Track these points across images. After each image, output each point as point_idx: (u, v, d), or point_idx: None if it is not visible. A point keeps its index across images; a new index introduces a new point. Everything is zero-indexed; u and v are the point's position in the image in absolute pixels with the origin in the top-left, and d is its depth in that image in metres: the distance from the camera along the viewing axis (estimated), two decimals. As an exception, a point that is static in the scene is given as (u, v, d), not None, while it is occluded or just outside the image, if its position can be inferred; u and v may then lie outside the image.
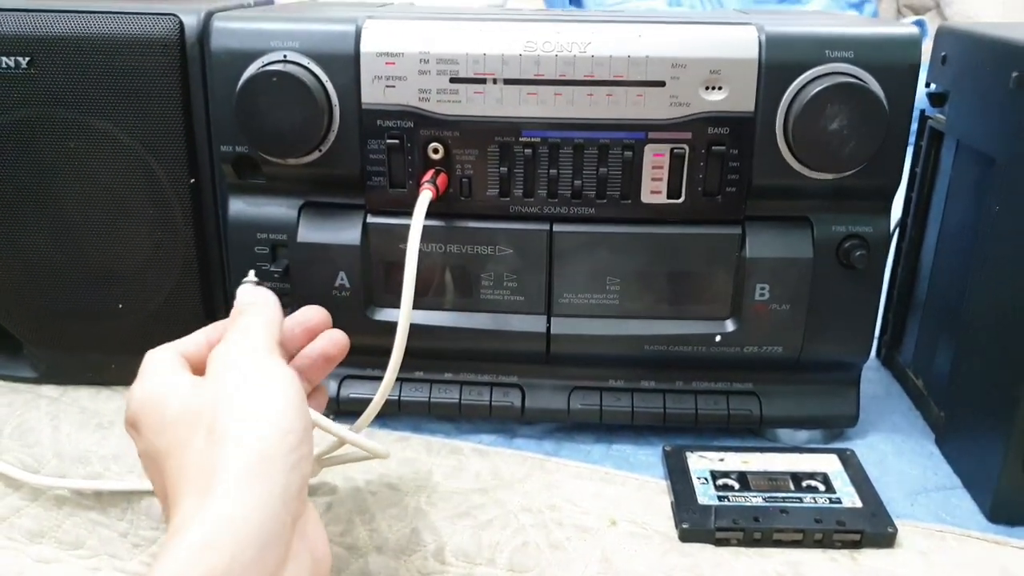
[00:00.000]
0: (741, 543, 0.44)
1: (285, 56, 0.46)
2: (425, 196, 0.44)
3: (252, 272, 0.43)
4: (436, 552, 0.45)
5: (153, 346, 0.58)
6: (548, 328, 0.50)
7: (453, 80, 0.46)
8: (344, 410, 0.52)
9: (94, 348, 0.56)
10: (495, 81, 0.46)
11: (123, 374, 0.58)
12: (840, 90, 0.44)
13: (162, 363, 0.37)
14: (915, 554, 0.44)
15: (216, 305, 0.56)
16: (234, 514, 0.29)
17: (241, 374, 0.35)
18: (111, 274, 0.54)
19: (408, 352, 0.43)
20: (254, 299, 0.41)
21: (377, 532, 0.46)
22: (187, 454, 0.32)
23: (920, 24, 0.94)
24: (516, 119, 0.46)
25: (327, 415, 0.41)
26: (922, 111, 0.58)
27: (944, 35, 0.55)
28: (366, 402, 0.44)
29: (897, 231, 0.61)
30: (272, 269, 0.50)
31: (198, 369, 0.38)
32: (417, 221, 0.43)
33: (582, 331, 0.50)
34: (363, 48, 0.46)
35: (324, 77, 0.46)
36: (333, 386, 0.53)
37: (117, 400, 0.56)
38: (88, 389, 0.57)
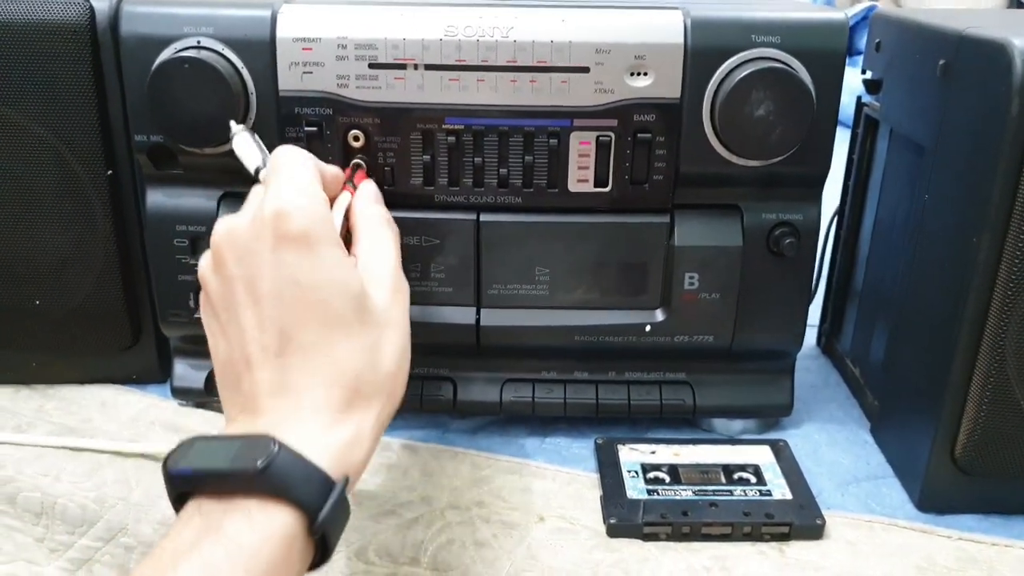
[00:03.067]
0: (669, 537, 0.44)
1: (199, 42, 0.44)
2: (344, 199, 0.42)
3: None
4: (359, 551, 0.44)
5: (75, 344, 0.56)
6: (478, 320, 0.49)
7: (372, 66, 0.44)
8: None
9: (12, 346, 0.54)
10: (416, 67, 0.44)
11: (45, 373, 0.56)
12: (766, 75, 0.43)
13: (326, 201, 0.37)
14: (843, 545, 0.44)
15: (140, 300, 0.54)
16: (373, 450, 0.35)
17: (401, 311, 0.37)
18: (27, 270, 0.52)
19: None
20: (384, 211, 0.42)
21: (300, 531, 0.45)
22: (348, 341, 0.34)
23: (871, 10, 0.94)
24: (438, 105, 0.45)
25: None
26: (858, 97, 0.57)
27: (878, 22, 0.55)
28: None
29: (835, 218, 0.61)
30: (191, 262, 0.48)
31: None
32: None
33: (512, 322, 0.49)
34: (279, 33, 0.44)
35: (239, 63, 0.44)
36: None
37: (37, 400, 0.54)
38: (6, 388, 0.55)
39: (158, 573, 0.29)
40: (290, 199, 0.35)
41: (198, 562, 0.29)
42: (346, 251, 0.37)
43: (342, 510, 0.32)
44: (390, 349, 0.36)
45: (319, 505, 0.31)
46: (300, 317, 0.34)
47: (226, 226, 0.36)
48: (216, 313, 0.36)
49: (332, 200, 0.40)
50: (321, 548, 0.32)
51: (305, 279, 0.34)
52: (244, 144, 0.43)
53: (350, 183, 0.43)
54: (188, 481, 0.31)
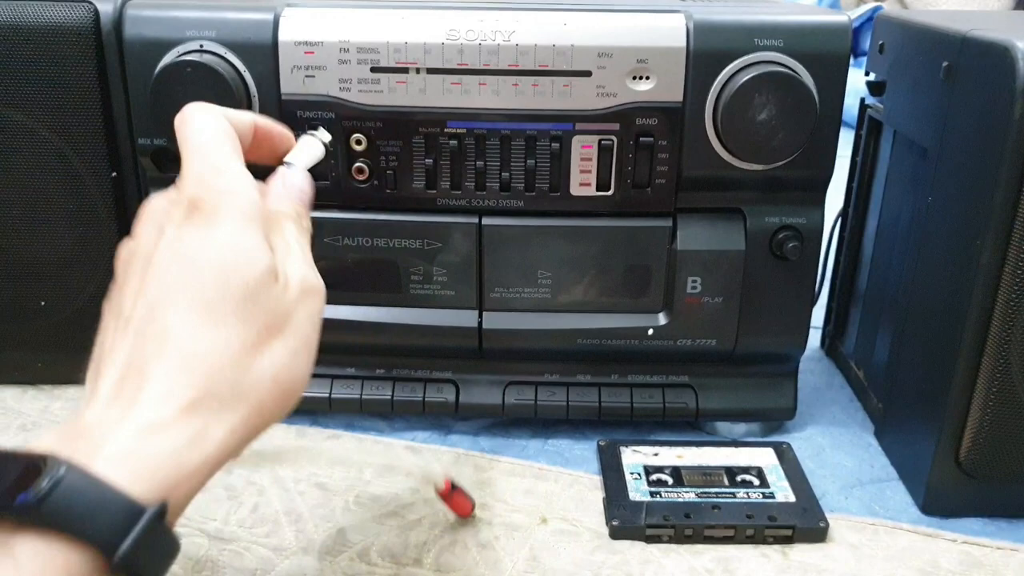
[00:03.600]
0: (672, 540, 0.44)
1: (201, 46, 0.45)
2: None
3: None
4: (362, 552, 0.44)
5: (81, 345, 0.56)
6: (480, 323, 0.49)
7: (374, 69, 0.44)
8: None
9: (18, 347, 0.55)
10: (418, 71, 0.44)
11: (50, 373, 0.56)
12: (769, 79, 0.43)
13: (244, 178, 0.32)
14: (846, 548, 0.44)
15: (144, 302, 0.54)
16: (226, 453, 0.28)
17: (302, 297, 0.31)
18: (32, 271, 0.52)
19: (339, 349, 0.42)
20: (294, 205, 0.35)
21: (303, 533, 0.45)
22: (210, 314, 0.28)
23: (876, 11, 0.94)
24: (440, 109, 0.45)
25: None
26: (862, 99, 0.57)
27: (882, 23, 0.55)
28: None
29: (839, 221, 0.61)
30: (195, 265, 0.49)
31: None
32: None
33: (515, 325, 0.49)
34: (281, 37, 0.44)
35: (242, 67, 0.45)
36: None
37: (43, 400, 0.55)
38: (13, 389, 0.56)
39: None
40: (199, 174, 0.31)
41: None
42: (261, 237, 0.31)
43: (158, 541, 0.26)
44: (276, 356, 0.30)
45: (118, 538, 0.24)
46: (173, 295, 0.29)
47: (148, 202, 0.33)
48: (111, 295, 0.32)
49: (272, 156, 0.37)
50: None
51: (192, 254, 0.29)
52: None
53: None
54: None
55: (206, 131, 0.33)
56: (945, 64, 0.44)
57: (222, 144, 0.32)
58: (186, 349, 0.28)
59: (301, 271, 0.32)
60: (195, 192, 0.30)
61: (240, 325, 0.29)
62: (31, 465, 0.24)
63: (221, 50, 0.44)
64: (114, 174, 0.51)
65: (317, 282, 0.33)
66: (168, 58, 0.44)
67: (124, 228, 0.52)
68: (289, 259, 0.32)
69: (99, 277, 0.53)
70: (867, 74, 0.56)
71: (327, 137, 0.39)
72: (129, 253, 0.32)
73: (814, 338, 0.59)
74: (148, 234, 0.31)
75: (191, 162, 0.32)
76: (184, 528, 0.46)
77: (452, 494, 0.44)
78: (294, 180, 0.36)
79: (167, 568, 0.27)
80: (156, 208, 0.32)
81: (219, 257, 0.29)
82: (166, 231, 0.30)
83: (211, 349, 0.28)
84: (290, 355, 0.30)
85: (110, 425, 0.26)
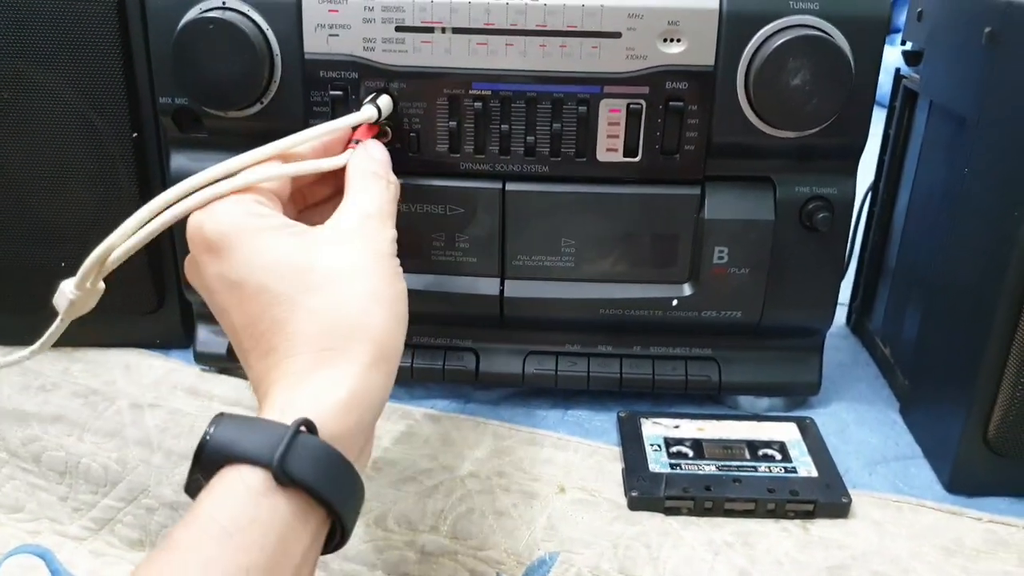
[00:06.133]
0: (691, 512, 0.43)
1: (224, 2, 0.44)
2: (365, 111, 0.42)
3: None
4: (378, 519, 0.44)
5: (100, 308, 0.56)
6: (502, 291, 0.49)
7: (399, 29, 0.43)
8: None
9: (38, 308, 0.55)
10: (443, 30, 0.43)
11: (70, 335, 0.56)
12: (803, 43, 0.42)
13: (252, 194, 0.37)
14: (868, 524, 0.43)
15: (164, 264, 0.54)
16: (365, 388, 0.33)
17: (359, 256, 0.36)
18: (53, 230, 0.52)
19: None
20: (379, 166, 0.40)
21: (321, 497, 0.45)
22: (297, 312, 0.34)
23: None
24: (465, 70, 0.44)
25: None
26: (897, 70, 0.56)
27: (921, -11, 0.53)
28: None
29: (870, 194, 0.60)
30: (216, 227, 0.48)
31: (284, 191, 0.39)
32: (333, 125, 0.40)
33: (537, 294, 0.49)
34: (305, -6, 0.44)
35: (264, 25, 0.44)
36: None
37: (63, 362, 0.55)
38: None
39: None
40: (196, 216, 0.36)
41: (170, 542, 0.28)
42: (272, 229, 0.36)
43: (310, 449, 0.30)
44: (352, 296, 0.34)
45: (272, 452, 0.29)
46: (247, 312, 0.34)
47: (189, 257, 0.38)
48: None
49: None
50: (332, 515, 0.31)
51: (236, 277, 0.35)
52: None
53: (355, 142, 0.42)
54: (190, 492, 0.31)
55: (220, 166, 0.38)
56: (988, 30, 0.43)
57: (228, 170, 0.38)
58: (284, 339, 0.33)
59: (357, 223, 0.37)
60: (198, 230, 0.36)
61: (310, 296, 0.34)
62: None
63: (244, 7, 0.44)
64: (135, 134, 0.50)
65: (376, 230, 0.37)
66: (190, 15, 0.43)
67: (145, 189, 0.52)
68: (350, 215, 0.37)
69: (119, 239, 0.52)
70: (903, 43, 0.54)
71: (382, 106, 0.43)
72: (197, 287, 0.38)
73: (840, 314, 0.58)
74: (196, 280, 0.38)
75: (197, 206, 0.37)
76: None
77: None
78: (372, 152, 0.41)
79: (351, 495, 0.32)
80: (188, 259, 0.38)
81: (258, 267, 0.35)
82: (203, 272, 0.36)
83: (302, 326, 0.33)
84: (366, 291, 0.35)
85: (264, 404, 0.32)
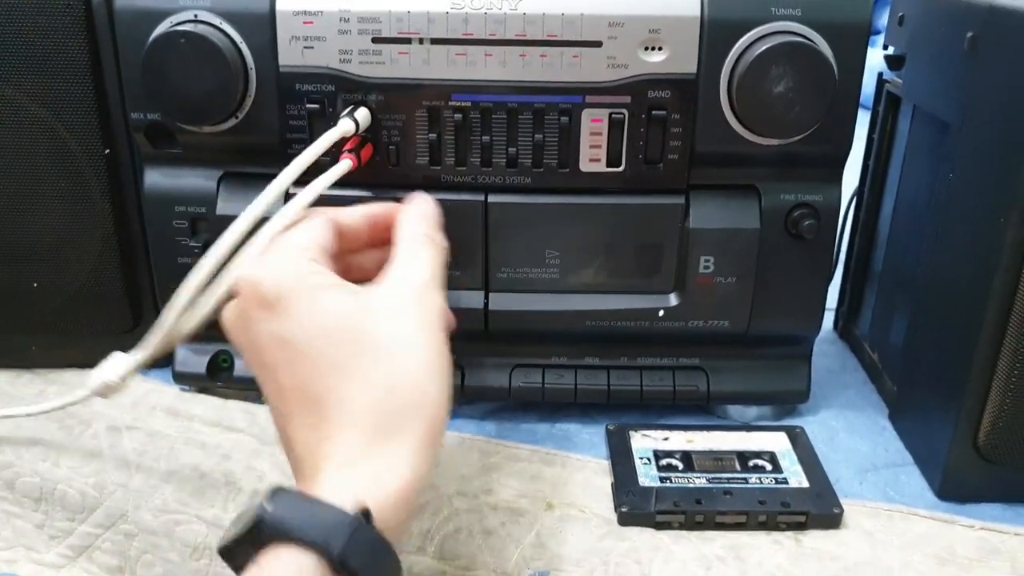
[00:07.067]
0: (682, 526, 0.43)
1: (195, 15, 0.43)
2: (343, 165, 0.41)
3: None
4: (364, 540, 0.43)
5: (75, 328, 0.55)
6: (486, 304, 0.48)
7: (376, 40, 0.43)
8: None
9: (11, 330, 0.53)
10: (421, 41, 0.43)
11: (45, 357, 0.55)
12: (786, 50, 0.41)
13: (309, 250, 0.36)
14: (860, 534, 0.43)
15: (140, 283, 0.53)
16: (419, 475, 0.33)
17: (415, 328, 0.35)
18: (23, 250, 0.51)
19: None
20: (429, 226, 0.40)
21: (304, 519, 0.44)
22: (354, 382, 0.33)
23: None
24: (444, 82, 0.43)
25: None
26: (880, 74, 0.55)
27: (902, -7, 0.53)
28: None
29: (855, 199, 0.59)
30: (192, 244, 0.47)
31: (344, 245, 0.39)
32: (314, 189, 0.39)
33: (521, 307, 0.48)
34: (279, 6, 0.43)
35: (238, 38, 0.43)
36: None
37: (38, 384, 0.53)
38: (7, 373, 0.54)
39: None
40: (252, 269, 0.35)
41: None
42: (329, 289, 0.35)
43: (373, 547, 0.30)
44: (408, 370, 0.34)
45: (333, 541, 0.29)
46: (299, 374, 0.33)
47: (228, 312, 0.36)
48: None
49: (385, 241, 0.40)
50: None
51: (291, 337, 0.33)
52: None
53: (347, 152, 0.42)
54: (226, 561, 0.30)
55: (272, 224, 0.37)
56: (970, 35, 0.42)
57: (282, 227, 0.37)
58: (337, 407, 0.33)
59: (412, 293, 0.36)
60: (255, 285, 0.34)
61: (366, 365, 0.33)
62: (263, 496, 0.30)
63: (216, 20, 0.43)
64: (107, 151, 0.49)
65: (430, 298, 0.36)
66: (161, 28, 0.42)
67: (118, 208, 0.51)
68: (403, 284, 0.36)
69: (93, 258, 0.51)
70: (885, 48, 0.54)
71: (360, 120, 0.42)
72: (239, 342, 0.36)
73: (827, 320, 0.57)
74: (238, 334, 0.35)
75: (244, 256, 0.36)
76: (182, 515, 0.45)
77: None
78: (423, 204, 0.41)
79: (384, 566, 0.30)
80: (231, 312, 0.36)
81: (315, 329, 0.34)
82: (252, 328, 0.34)
83: (355, 396, 0.33)
84: (421, 363, 0.34)
85: (316, 477, 0.32)
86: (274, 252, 0.36)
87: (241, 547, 0.29)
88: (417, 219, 0.40)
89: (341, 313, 0.34)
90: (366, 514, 0.30)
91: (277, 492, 0.30)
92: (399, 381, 0.33)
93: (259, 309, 0.34)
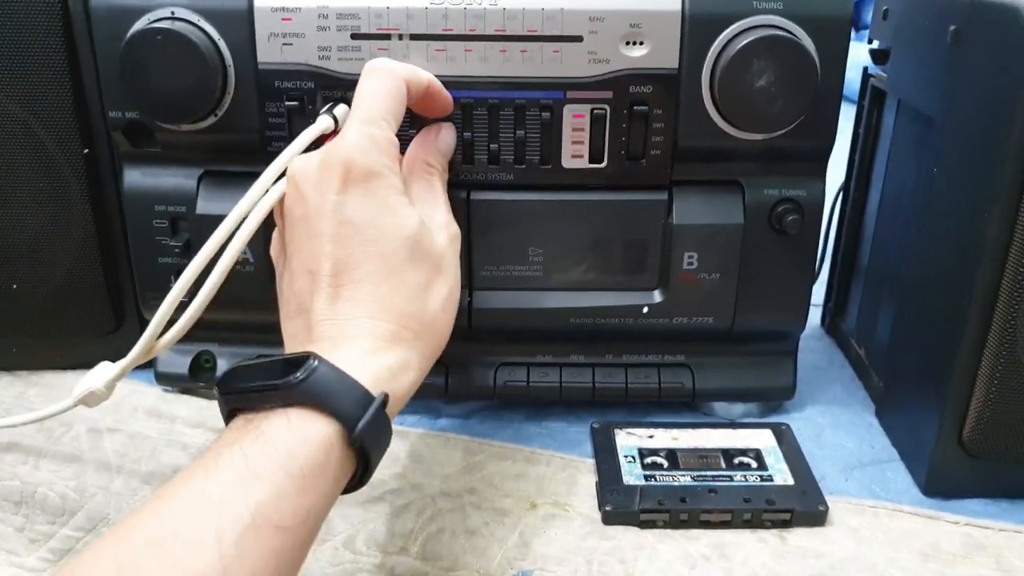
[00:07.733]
0: (667, 525, 0.42)
1: (173, 12, 0.42)
2: (321, 122, 0.40)
3: None
4: (347, 541, 0.42)
5: (56, 329, 0.54)
6: (470, 302, 0.48)
7: (355, 36, 0.42)
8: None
9: (-10, 329, 0.53)
10: (400, 37, 0.42)
11: (26, 359, 0.55)
12: (768, 44, 0.41)
13: (396, 146, 0.38)
14: (845, 531, 0.43)
15: (121, 283, 0.52)
16: (416, 383, 0.37)
17: (452, 257, 0.39)
18: (2, 252, 0.50)
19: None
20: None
21: (287, 520, 0.43)
22: (397, 279, 0.36)
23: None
24: (424, 78, 0.43)
25: None
26: (865, 68, 0.55)
27: (886, -13, 0.52)
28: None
29: (840, 194, 0.59)
30: (172, 244, 0.47)
31: None
32: (295, 147, 0.39)
33: (505, 305, 0.48)
34: (257, 2, 0.42)
35: (215, 35, 0.42)
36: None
37: (18, 386, 0.53)
38: (-13, 375, 0.54)
39: (201, 465, 0.30)
40: (356, 143, 0.36)
41: (238, 454, 0.30)
42: (404, 193, 0.38)
43: (382, 426, 0.33)
44: (439, 293, 0.38)
45: (357, 417, 0.32)
46: (353, 254, 0.36)
47: (299, 166, 0.38)
48: (283, 247, 0.39)
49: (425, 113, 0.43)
50: (363, 465, 0.33)
51: (361, 219, 0.36)
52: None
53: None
54: (237, 398, 0.33)
55: (379, 93, 0.38)
56: (952, 28, 0.42)
57: (385, 111, 0.38)
58: (377, 295, 0.35)
59: (447, 219, 0.40)
60: (350, 160, 0.36)
61: (413, 271, 0.37)
62: (293, 361, 0.32)
63: (194, 17, 0.42)
64: (86, 150, 0.49)
65: (456, 227, 0.41)
66: (138, 25, 0.42)
67: (98, 207, 0.50)
68: (438, 210, 0.40)
69: (72, 258, 0.51)
70: (870, 42, 0.54)
71: (340, 116, 0.42)
72: (295, 212, 0.37)
73: (813, 316, 0.57)
74: (312, 197, 0.37)
75: (352, 125, 0.37)
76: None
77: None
78: (446, 137, 0.43)
79: (384, 449, 0.34)
80: (309, 171, 0.37)
81: (386, 219, 0.36)
82: (328, 197, 0.36)
83: (395, 293, 0.36)
84: (448, 291, 0.39)
85: (333, 350, 0.34)
86: (367, 134, 0.37)
87: (269, 395, 0.32)
88: (435, 153, 0.42)
89: (405, 217, 0.37)
90: (384, 402, 0.33)
91: (318, 361, 0.32)
92: (432, 295, 0.37)
93: (341, 180, 0.36)
